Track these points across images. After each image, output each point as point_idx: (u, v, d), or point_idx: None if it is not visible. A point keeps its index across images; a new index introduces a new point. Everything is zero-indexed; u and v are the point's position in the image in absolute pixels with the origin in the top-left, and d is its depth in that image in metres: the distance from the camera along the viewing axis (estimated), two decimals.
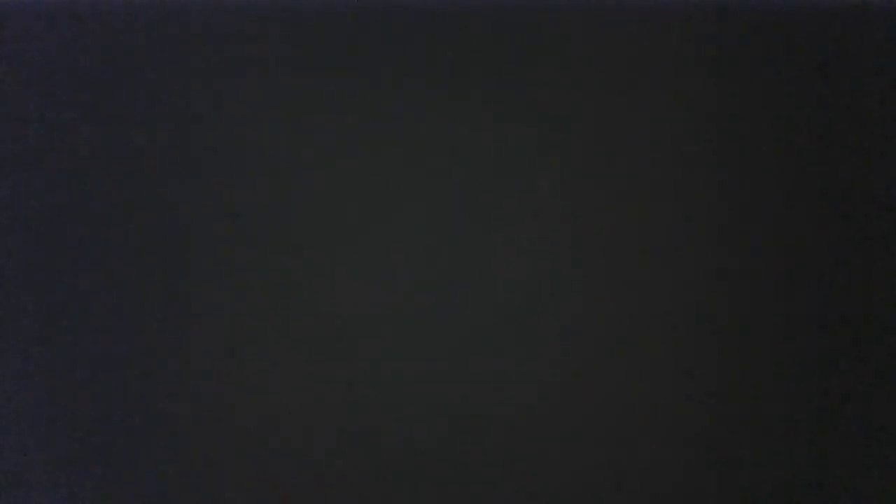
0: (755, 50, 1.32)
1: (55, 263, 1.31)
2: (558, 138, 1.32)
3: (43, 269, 1.31)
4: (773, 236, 1.32)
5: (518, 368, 1.31)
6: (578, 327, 1.31)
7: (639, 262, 1.31)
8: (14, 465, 1.31)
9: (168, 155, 1.31)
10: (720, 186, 1.32)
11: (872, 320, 1.32)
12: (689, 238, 1.32)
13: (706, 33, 1.32)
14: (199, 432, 1.30)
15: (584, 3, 1.32)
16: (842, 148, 1.32)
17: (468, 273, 1.31)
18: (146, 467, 1.30)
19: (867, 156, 1.33)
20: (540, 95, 1.32)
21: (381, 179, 1.32)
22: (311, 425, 1.30)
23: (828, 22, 1.33)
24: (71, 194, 1.31)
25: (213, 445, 1.30)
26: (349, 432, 1.30)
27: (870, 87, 1.33)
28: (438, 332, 1.31)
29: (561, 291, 1.31)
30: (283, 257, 1.31)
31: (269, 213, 1.31)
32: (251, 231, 1.31)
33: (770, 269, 1.32)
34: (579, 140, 1.32)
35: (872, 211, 1.32)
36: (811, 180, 1.32)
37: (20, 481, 1.31)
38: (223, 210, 1.31)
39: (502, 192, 1.31)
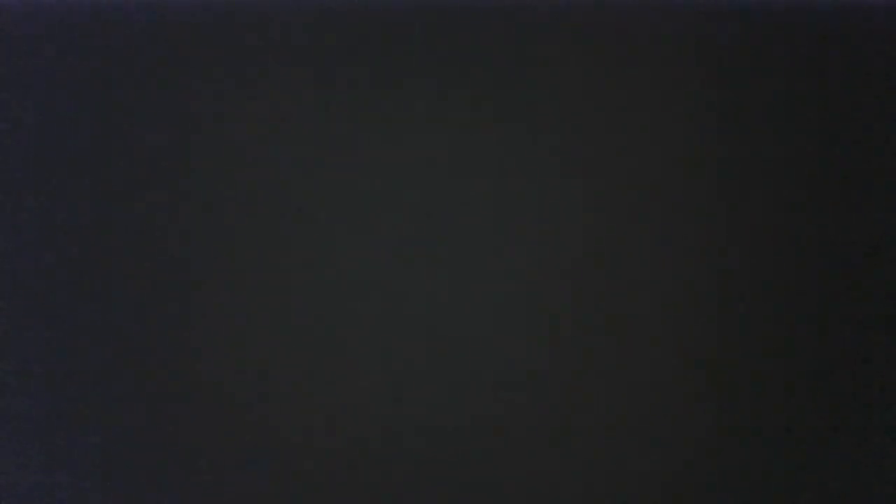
0: (755, 50, 1.32)
1: (55, 263, 1.31)
2: (559, 138, 1.32)
3: (42, 268, 1.31)
4: (773, 236, 1.32)
5: (518, 368, 1.31)
6: (579, 327, 1.31)
7: (639, 262, 1.31)
8: (14, 465, 1.31)
9: (168, 155, 1.31)
10: (720, 186, 1.32)
11: (872, 320, 1.32)
12: (689, 238, 1.32)
13: (706, 33, 1.32)
14: (200, 432, 1.30)
15: (585, 3, 1.32)
16: (842, 148, 1.32)
17: (468, 272, 1.31)
18: (146, 467, 1.30)
19: (867, 156, 1.33)
20: (540, 95, 1.32)
21: (381, 179, 1.32)
22: (311, 425, 1.30)
23: (828, 22, 1.33)
24: (71, 194, 1.31)
25: (214, 446, 1.30)
26: (349, 432, 1.30)
27: (870, 87, 1.33)
28: (438, 331, 1.31)
29: (562, 291, 1.31)
30: (284, 257, 1.31)
31: (270, 212, 1.31)
32: (252, 231, 1.31)
33: (770, 268, 1.32)
34: (579, 140, 1.32)
35: (872, 211, 1.32)
36: (811, 180, 1.32)
37: (20, 481, 1.31)
38: (224, 210, 1.31)
39: (502, 192, 1.32)
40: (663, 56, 1.32)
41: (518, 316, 1.31)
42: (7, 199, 1.31)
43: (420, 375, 1.31)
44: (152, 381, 1.30)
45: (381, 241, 1.31)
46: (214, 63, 1.31)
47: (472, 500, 1.31)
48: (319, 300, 1.31)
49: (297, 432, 1.30)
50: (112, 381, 1.30)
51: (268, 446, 1.30)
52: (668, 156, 1.32)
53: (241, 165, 1.31)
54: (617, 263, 1.31)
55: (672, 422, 1.31)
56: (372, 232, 1.31)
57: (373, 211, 1.31)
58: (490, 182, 1.32)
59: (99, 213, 1.31)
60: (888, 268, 1.32)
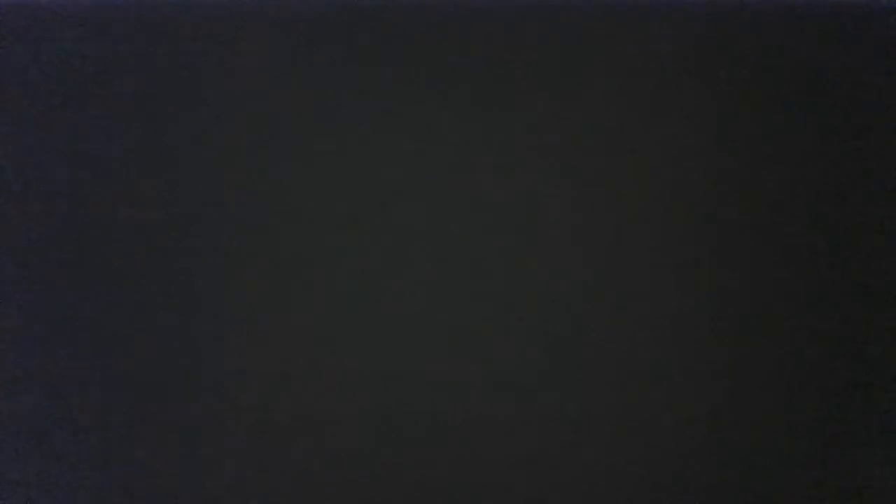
0: (754, 50, 1.32)
1: (55, 263, 1.31)
2: (558, 138, 1.32)
3: (43, 269, 1.31)
4: (772, 236, 1.32)
5: (517, 369, 1.31)
6: (579, 326, 1.31)
7: (639, 262, 1.31)
8: (14, 465, 1.31)
9: (168, 155, 1.31)
10: (720, 186, 1.32)
11: (872, 320, 1.32)
12: (688, 238, 1.32)
13: (705, 33, 1.32)
14: (199, 432, 1.30)
15: (585, 3, 1.32)
16: (842, 148, 1.32)
17: (468, 272, 1.31)
18: (146, 467, 1.30)
19: (867, 156, 1.33)
20: (540, 95, 1.32)
21: (381, 179, 1.32)
22: (311, 425, 1.30)
23: (828, 22, 1.33)
24: (71, 194, 1.31)
25: (213, 445, 1.30)
26: (350, 432, 1.30)
27: (870, 87, 1.33)
28: (438, 332, 1.31)
29: (561, 291, 1.31)
30: (284, 257, 1.31)
31: (269, 212, 1.31)
32: (252, 231, 1.31)
33: (770, 268, 1.32)
34: (579, 140, 1.32)
35: (872, 211, 1.32)
36: (811, 180, 1.32)
37: (20, 481, 1.31)
38: (223, 209, 1.31)
39: (502, 192, 1.32)
40: (663, 56, 1.32)
41: (518, 316, 1.31)
42: (8, 198, 1.31)
43: (419, 375, 1.31)
44: (152, 381, 1.30)
45: (381, 240, 1.31)
46: (214, 63, 1.31)
47: (472, 498, 1.31)
48: (320, 298, 1.31)
49: (297, 431, 1.30)
50: (112, 381, 1.30)
51: (268, 446, 1.30)
52: (668, 155, 1.32)
53: (242, 164, 1.31)
54: (617, 263, 1.31)
55: (672, 421, 1.31)
56: (372, 232, 1.31)
57: (373, 211, 1.31)
58: (490, 182, 1.32)
59: (100, 213, 1.31)
60: (888, 268, 1.32)
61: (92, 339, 1.30)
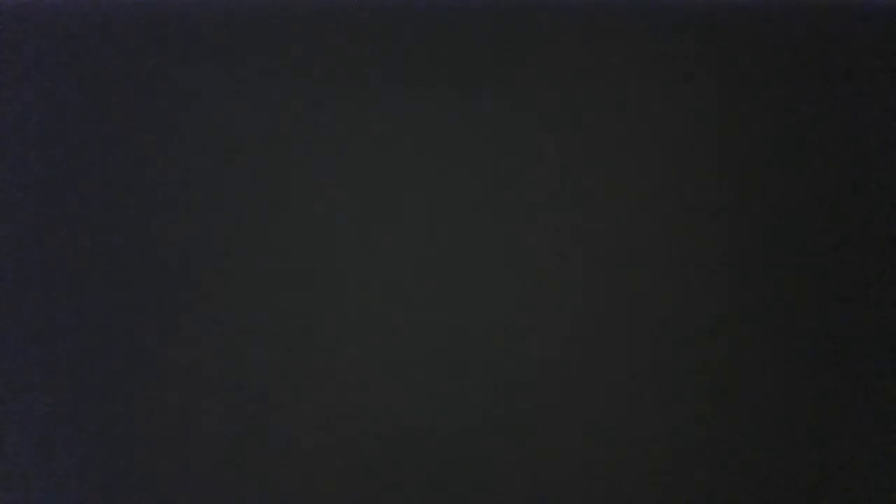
0: (755, 50, 1.32)
1: (55, 263, 1.31)
2: (558, 138, 1.32)
3: (43, 268, 1.31)
4: (772, 236, 1.32)
5: (517, 370, 1.31)
6: (578, 327, 1.31)
7: (639, 262, 1.31)
8: (14, 465, 1.31)
9: (168, 155, 1.31)
10: (720, 187, 1.32)
11: (872, 320, 1.32)
12: (689, 237, 1.32)
13: (706, 33, 1.32)
14: (199, 432, 1.30)
15: (584, 3, 1.32)
16: (842, 148, 1.32)
17: (468, 272, 1.31)
18: (146, 467, 1.30)
19: (867, 156, 1.33)
20: (539, 95, 1.32)
21: (381, 180, 1.32)
22: (311, 425, 1.30)
23: (828, 22, 1.33)
24: (71, 194, 1.31)
25: (214, 445, 1.30)
26: (350, 432, 1.31)
27: (870, 87, 1.33)
28: (438, 333, 1.31)
29: (561, 292, 1.31)
30: (283, 258, 1.31)
31: (269, 213, 1.31)
32: (251, 231, 1.31)
33: (770, 269, 1.32)
34: (579, 140, 1.32)
35: (872, 211, 1.32)
36: (811, 180, 1.32)
37: (20, 481, 1.31)
38: (223, 210, 1.31)
39: (502, 193, 1.32)
40: (663, 56, 1.32)
41: (517, 316, 1.31)
42: (8, 198, 1.31)
43: (419, 375, 1.31)
44: (152, 380, 1.30)
45: (381, 241, 1.31)
46: (213, 63, 1.31)
47: (472, 498, 1.31)
48: (320, 297, 1.31)
49: (297, 431, 1.30)
50: (112, 381, 1.30)
51: (268, 446, 1.30)
52: (668, 155, 1.32)
53: (241, 164, 1.31)
54: (617, 263, 1.31)
55: (672, 421, 1.31)
56: (372, 232, 1.31)
57: (373, 211, 1.32)
58: (490, 182, 1.32)
59: (99, 212, 1.31)
60: (888, 268, 1.32)
61: (92, 339, 1.30)
